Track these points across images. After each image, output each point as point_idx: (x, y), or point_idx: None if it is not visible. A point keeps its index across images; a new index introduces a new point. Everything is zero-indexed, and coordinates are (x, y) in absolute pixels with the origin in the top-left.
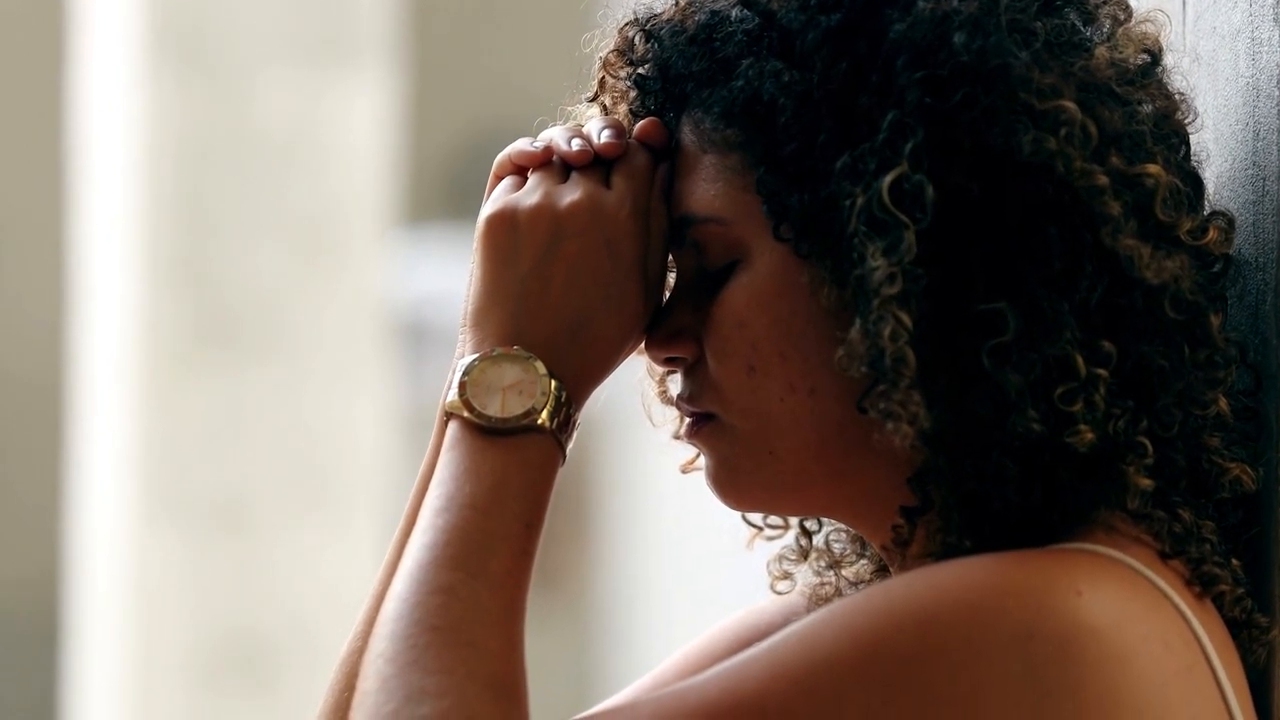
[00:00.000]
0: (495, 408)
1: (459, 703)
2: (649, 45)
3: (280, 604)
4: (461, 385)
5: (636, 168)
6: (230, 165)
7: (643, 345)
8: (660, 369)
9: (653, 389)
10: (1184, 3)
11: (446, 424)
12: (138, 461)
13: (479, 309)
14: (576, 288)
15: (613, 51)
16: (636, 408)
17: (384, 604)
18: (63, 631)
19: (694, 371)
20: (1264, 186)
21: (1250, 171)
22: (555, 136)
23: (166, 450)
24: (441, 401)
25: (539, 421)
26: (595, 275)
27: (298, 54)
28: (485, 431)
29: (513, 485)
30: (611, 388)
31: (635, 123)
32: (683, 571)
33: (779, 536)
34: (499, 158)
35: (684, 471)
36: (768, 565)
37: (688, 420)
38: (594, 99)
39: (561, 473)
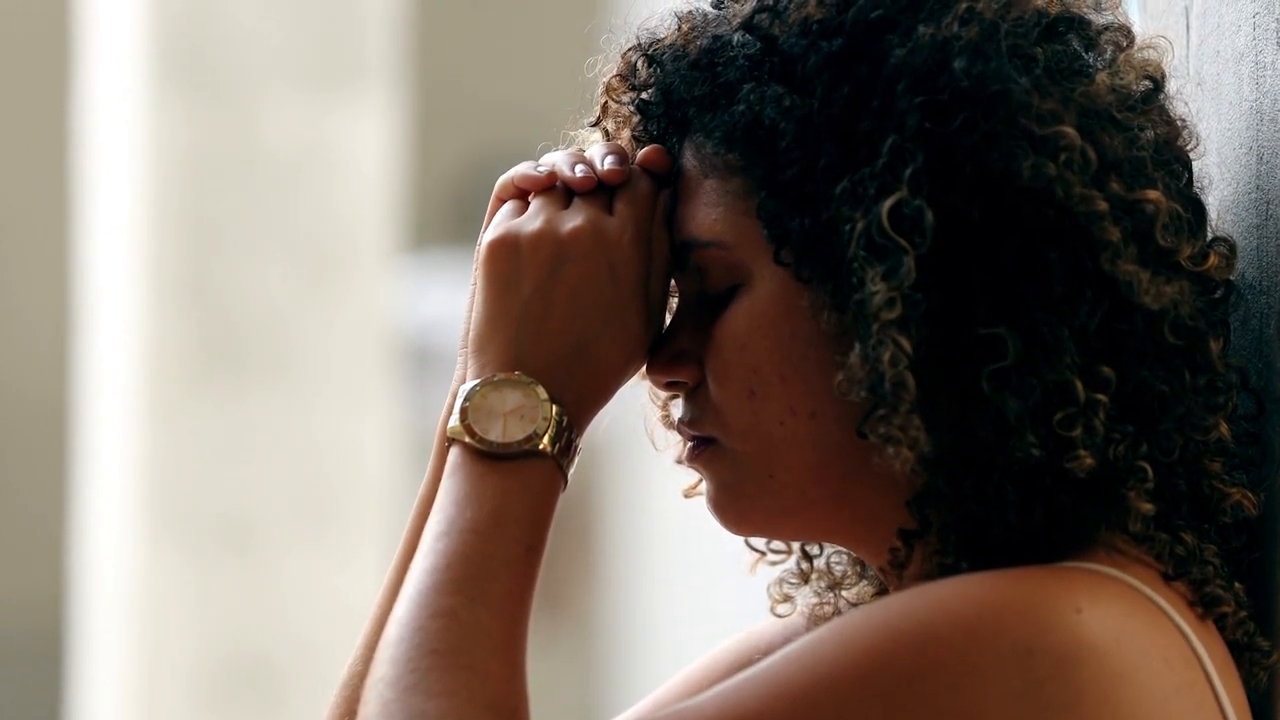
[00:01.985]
0: (497, 433)
1: None
2: (651, 70)
3: (284, 625)
4: (463, 410)
5: (639, 194)
6: (236, 187)
7: (644, 370)
8: (662, 393)
9: (655, 413)
10: (1187, 27)
11: (447, 449)
12: (142, 481)
13: (480, 334)
14: (578, 313)
15: (615, 76)
16: (640, 431)
17: (385, 628)
18: (67, 651)
19: (695, 395)
20: (1268, 210)
21: (1254, 195)
22: (558, 161)
23: (171, 470)
24: (442, 426)
25: (540, 446)
26: (597, 300)
27: (303, 76)
28: (486, 457)
29: (514, 510)
30: (617, 411)
31: (638, 147)
32: (686, 595)
33: (782, 561)
34: (501, 180)
35: (686, 496)
36: (768, 588)
37: (689, 444)
38: (596, 124)
39: (564, 496)
